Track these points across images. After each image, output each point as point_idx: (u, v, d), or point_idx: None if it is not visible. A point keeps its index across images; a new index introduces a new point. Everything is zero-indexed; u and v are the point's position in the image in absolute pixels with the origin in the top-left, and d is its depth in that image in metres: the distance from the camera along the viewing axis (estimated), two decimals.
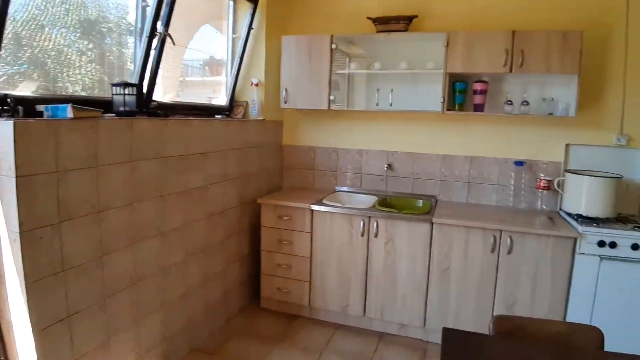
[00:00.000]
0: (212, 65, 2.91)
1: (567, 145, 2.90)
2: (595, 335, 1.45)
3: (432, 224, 2.62)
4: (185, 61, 2.62)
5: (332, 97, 2.96)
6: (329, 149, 3.40)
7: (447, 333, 1.43)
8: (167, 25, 2.24)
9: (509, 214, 2.83)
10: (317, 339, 2.75)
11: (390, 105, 2.97)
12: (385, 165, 3.23)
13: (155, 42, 2.21)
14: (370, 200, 3.08)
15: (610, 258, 2.42)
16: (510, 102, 2.82)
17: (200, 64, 2.82)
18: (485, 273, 2.60)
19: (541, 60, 2.58)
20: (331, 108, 3.00)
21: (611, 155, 2.86)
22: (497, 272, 2.57)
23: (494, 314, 2.61)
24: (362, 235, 2.74)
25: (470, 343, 1.43)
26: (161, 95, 2.42)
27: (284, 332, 2.82)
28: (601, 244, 2.42)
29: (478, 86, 2.79)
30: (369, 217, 2.72)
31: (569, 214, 2.73)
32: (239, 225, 2.96)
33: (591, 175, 2.66)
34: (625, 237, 2.41)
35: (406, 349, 2.67)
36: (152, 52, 2.22)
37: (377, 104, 3.05)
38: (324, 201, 2.92)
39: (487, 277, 2.60)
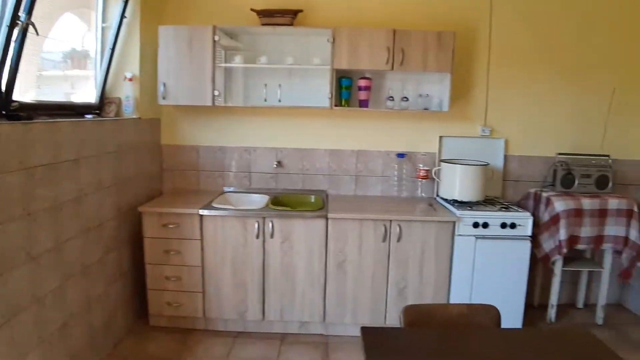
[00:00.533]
0: (75, 58, 2.87)
1: (441, 137, 3.55)
2: (493, 313, 1.88)
3: (327, 219, 2.99)
4: (43, 53, 2.56)
5: (216, 93, 3.13)
6: (213, 148, 3.58)
7: (366, 332, 1.69)
8: (29, 12, 2.15)
9: (394, 203, 3.36)
10: (217, 352, 2.93)
11: (279, 101, 3.27)
12: (275, 163, 3.54)
13: (16, 32, 2.11)
14: (262, 199, 3.35)
15: (483, 237, 3.08)
16: (391, 98, 3.34)
17: (62, 57, 2.76)
18: (378, 262, 3.07)
19: (419, 58, 3.12)
20: (216, 104, 3.17)
21: (477, 144, 3.58)
22: (388, 259, 3.07)
23: (387, 299, 3.11)
24: (258, 237, 2.99)
25: (388, 338, 1.70)
26: (19, 93, 2.34)
27: (179, 349, 2.94)
28: (476, 225, 3.07)
29: (362, 82, 3.25)
30: (264, 218, 2.98)
31: (446, 200, 3.38)
32: (118, 239, 2.98)
33: (462, 164, 3.31)
34: (495, 217, 3.08)
35: (309, 346, 3.02)
36: (12, 44, 2.11)
37: (265, 100, 3.32)
38: (214, 204, 3.09)
39: (380, 265, 3.08)
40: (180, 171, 3.59)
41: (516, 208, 3.23)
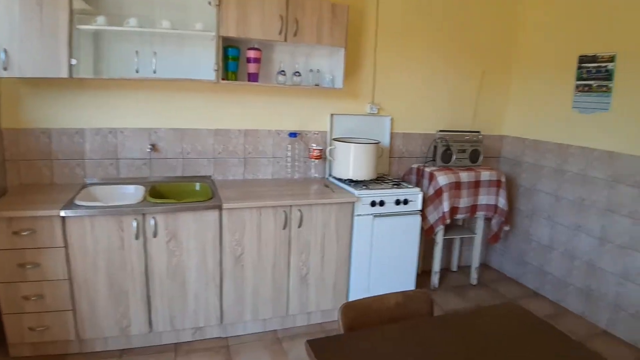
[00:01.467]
0: None
1: (332, 115, 3.43)
2: (426, 298, 1.85)
3: (220, 210, 2.64)
4: None
5: (73, 61, 2.45)
6: (70, 131, 2.87)
7: (313, 346, 1.48)
8: None
9: (289, 186, 3.14)
10: None
11: (154, 72, 2.73)
12: (149, 146, 3.00)
13: None
14: (137, 191, 2.82)
15: (380, 215, 3.09)
16: (283, 73, 3.07)
17: None
18: (278, 251, 2.85)
19: (314, 30, 2.91)
20: (73, 76, 2.50)
21: (366, 122, 3.56)
22: (289, 247, 2.87)
23: (289, 288, 2.92)
24: (137, 237, 2.49)
25: (337, 347, 1.52)
26: None
27: None
28: (373, 203, 3.05)
29: (252, 54, 2.90)
30: (144, 214, 2.49)
31: (340, 180, 3.28)
32: None
33: (357, 143, 3.24)
34: (390, 195, 3.09)
35: (208, 353, 2.68)
36: None
37: (137, 71, 2.74)
38: (77, 202, 2.47)
39: (281, 254, 2.86)
40: (28, 162, 2.81)
41: (407, 184, 3.30)
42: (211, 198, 2.73)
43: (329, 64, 3.25)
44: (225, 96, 3.13)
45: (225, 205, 2.63)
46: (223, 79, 2.81)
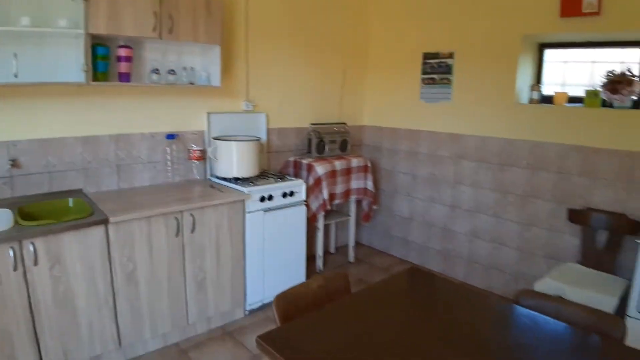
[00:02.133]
0: None
1: (209, 114, 3.35)
2: (343, 277, 2.00)
3: (106, 225, 2.40)
4: None
5: None
6: None
7: (266, 341, 1.48)
8: None
9: (172, 191, 3.00)
10: None
11: (15, 76, 2.32)
12: (9, 162, 2.53)
13: None
14: (4, 216, 2.31)
15: (270, 209, 3.16)
16: (157, 71, 2.90)
17: None
18: (172, 260, 2.72)
19: (190, 27, 2.80)
20: None
21: (242, 120, 3.57)
22: (183, 254, 2.76)
23: (187, 296, 2.81)
24: (15, 268, 2.12)
25: (285, 338, 1.55)
26: None
27: None
28: (262, 199, 3.11)
29: (123, 52, 2.66)
30: (20, 241, 2.13)
31: (225, 179, 3.26)
32: None
33: (239, 140, 3.23)
34: (276, 189, 3.18)
35: None
36: None
37: None
38: None
39: (175, 263, 2.74)
40: None
41: (290, 177, 3.43)
42: (92, 213, 2.45)
43: (202, 61, 3.16)
44: (94, 99, 2.81)
45: (112, 219, 2.39)
46: (93, 81, 2.52)
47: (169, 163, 3.18)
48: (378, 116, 4.37)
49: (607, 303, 2.53)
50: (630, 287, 2.55)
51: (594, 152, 3.03)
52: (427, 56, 3.84)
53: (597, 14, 2.87)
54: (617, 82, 2.95)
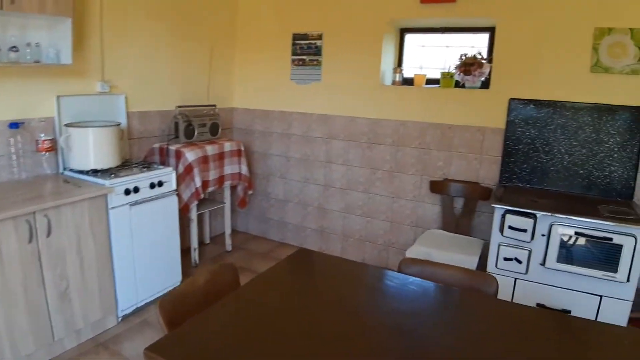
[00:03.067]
0: None
1: (59, 97, 2.85)
2: (230, 269, 1.88)
3: None
4: None
5: None
6: None
7: (156, 350, 1.31)
8: None
9: (20, 190, 2.49)
10: None
11: None
12: None
13: None
14: None
15: (137, 202, 2.85)
16: None
17: None
18: (28, 270, 2.29)
19: None
20: None
21: (98, 103, 3.13)
22: (40, 261, 2.34)
23: (50, 310, 2.39)
24: None
25: (176, 344, 1.38)
26: None
27: None
28: (127, 192, 2.78)
29: None
30: None
31: (81, 172, 2.83)
32: None
33: (95, 127, 2.83)
34: (143, 179, 2.88)
35: None
36: None
37: None
38: None
39: (32, 273, 2.31)
40: None
41: (157, 166, 3.12)
42: None
43: (50, 36, 2.66)
44: None
45: None
46: None
47: (13, 157, 2.63)
48: (249, 98, 4.22)
49: (469, 262, 2.84)
50: (487, 247, 2.91)
51: (449, 128, 3.35)
52: (296, 37, 3.80)
53: (452, 1, 3.15)
54: (469, 65, 3.29)
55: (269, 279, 1.90)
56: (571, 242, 2.51)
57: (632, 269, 2.38)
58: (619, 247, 2.37)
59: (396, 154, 3.59)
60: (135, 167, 3.05)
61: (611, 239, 2.38)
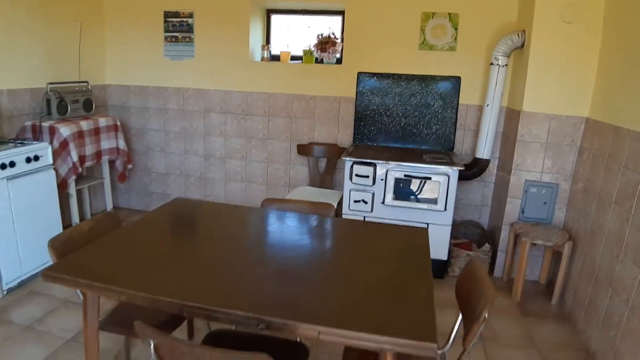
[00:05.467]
0: None
1: None
2: (112, 217, 2.10)
3: None
4: None
5: None
6: None
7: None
8: None
9: None
10: None
11: None
12: None
13: None
14: None
15: (14, 177, 2.89)
16: None
17: None
18: None
19: None
20: None
21: None
22: None
23: None
24: None
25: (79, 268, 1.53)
26: None
27: None
28: (3, 166, 2.82)
29: None
30: None
31: None
32: None
33: None
34: (19, 154, 2.92)
35: None
36: None
37: None
38: None
39: None
40: None
41: (31, 142, 3.14)
42: None
43: None
44: None
45: None
46: None
47: None
48: (123, 75, 4.28)
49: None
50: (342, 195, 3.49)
51: (311, 99, 3.84)
52: (168, 14, 3.97)
53: None
54: (325, 43, 3.79)
55: (148, 222, 2.15)
56: (402, 183, 3.17)
57: (448, 200, 3.11)
58: (437, 184, 3.09)
59: (268, 123, 3.99)
60: (9, 143, 3.06)
61: (430, 178, 3.09)
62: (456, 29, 3.49)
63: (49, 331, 2.59)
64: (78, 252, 1.74)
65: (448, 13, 3.49)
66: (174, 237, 2.02)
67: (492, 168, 3.64)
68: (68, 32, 3.82)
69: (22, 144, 3.05)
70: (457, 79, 3.51)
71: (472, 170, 3.50)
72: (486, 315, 1.44)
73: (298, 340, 1.81)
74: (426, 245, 1.95)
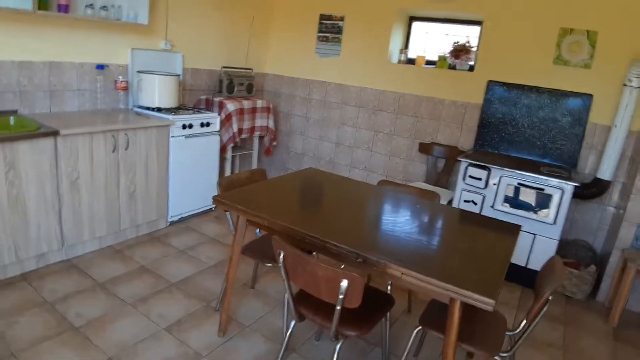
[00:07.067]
0: None
1: (132, 50, 3.71)
2: (261, 172, 2.68)
3: (56, 137, 2.77)
4: None
5: None
6: None
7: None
8: None
9: (103, 116, 3.34)
10: None
11: None
12: None
13: None
14: None
15: (190, 136, 3.71)
16: (92, 6, 3.19)
17: None
18: (109, 173, 3.17)
19: None
20: None
21: (161, 57, 3.98)
22: (118, 168, 3.22)
23: (120, 205, 3.28)
24: None
25: (242, 199, 2.14)
26: None
27: None
28: (184, 126, 3.64)
29: None
30: None
31: (148, 108, 3.70)
32: None
33: (161, 75, 3.67)
34: (196, 119, 3.71)
35: (62, 274, 2.88)
36: None
37: None
38: None
39: (112, 175, 3.19)
40: None
41: (205, 110, 3.98)
42: (39, 128, 2.76)
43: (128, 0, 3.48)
44: (30, 27, 3.02)
45: (62, 132, 2.78)
46: (39, 9, 2.76)
47: (98, 91, 3.51)
48: (279, 65, 5.03)
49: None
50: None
51: (439, 102, 4.11)
52: (322, 17, 4.59)
53: None
54: (459, 51, 4.04)
55: (288, 179, 2.69)
56: (515, 190, 3.29)
57: (559, 214, 3.17)
58: (549, 196, 3.15)
59: (395, 120, 4.36)
60: (189, 110, 3.91)
61: (543, 190, 3.16)
62: (593, 47, 3.47)
63: (197, 257, 3.34)
64: (237, 190, 2.35)
65: (587, 30, 3.48)
66: (305, 191, 2.54)
67: (614, 192, 3.55)
68: (242, 27, 4.66)
69: (199, 112, 3.87)
70: (589, 97, 3.50)
71: (591, 190, 3.46)
72: (550, 297, 1.65)
73: (388, 291, 2.17)
74: (516, 234, 2.15)
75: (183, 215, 3.88)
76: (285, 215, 2.09)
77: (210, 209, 4.16)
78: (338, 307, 1.69)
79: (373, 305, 2.01)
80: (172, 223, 3.81)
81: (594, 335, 2.94)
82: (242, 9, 4.59)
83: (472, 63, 4.05)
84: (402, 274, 1.65)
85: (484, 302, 1.51)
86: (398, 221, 2.19)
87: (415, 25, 4.49)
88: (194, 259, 3.32)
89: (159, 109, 3.66)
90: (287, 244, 1.74)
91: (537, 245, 3.32)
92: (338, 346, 1.88)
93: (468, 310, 1.66)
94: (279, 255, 1.78)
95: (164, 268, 3.14)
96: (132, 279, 2.96)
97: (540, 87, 3.65)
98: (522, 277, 3.37)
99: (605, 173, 3.40)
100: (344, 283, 1.62)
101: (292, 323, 2.04)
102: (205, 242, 3.59)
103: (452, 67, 4.11)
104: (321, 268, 1.66)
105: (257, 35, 4.83)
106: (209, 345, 2.39)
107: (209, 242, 3.60)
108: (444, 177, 4.13)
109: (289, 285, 1.88)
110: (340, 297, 1.65)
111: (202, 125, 3.79)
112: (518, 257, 3.38)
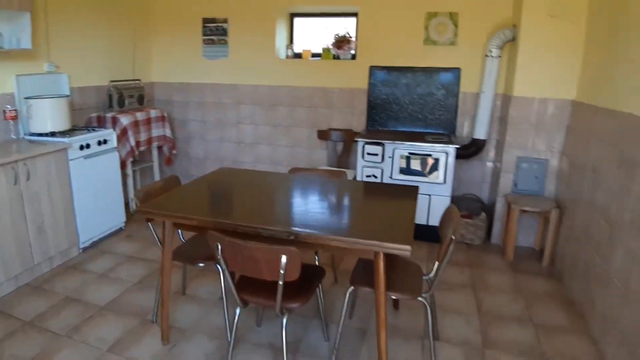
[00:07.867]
0: None
1: (17, 76, 3.55)
2: (177, 179, 2.83)
3: None
4: None
5: None
6: None
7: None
8: None
9: None
10: None
11: None
12: None
13: None
14: None
15: (89, 156, 3.67)
16: None
17: None
18: (13, 207, 3.04)
19: None
20: None
21: (48, 80, 3.85)
22: (23, 201, 3.11)
23: (31, 239, 3.16)
24: None
25: (162, 207, 2.15)
26: None
27: None
28: (82, 147, 3.60)
29: None
30: None
31: (41, 134, 3.59)
32: None
33: (51, 98, 3.58)
34: (91, 138, 3.66)
35: None
36: None
37: None
38: None
39: (17, 209, 3.06)
40: None
41: (98, 128, 3.92)
42: None
43: (9, 26, 3.29)
44: None
45: None
46: None
47: None
48: (167, 73, 5.07)
49: None
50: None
51: (330, 91, 4.52)
52: (205, 20, 4.74)
53: None
54: (341, 42, 4.43)
55: (203, 181, 2.84)
56: (407, 159, 3.79)
57: (447, 174, 3.74)
58: (437, 160, 3.68)
59: (292, 112, 4.69)
60: (83, 130, 3.84)
61: (431, 155, 3.68)
62: (456, 26, 4.09)
63: (119, 277, 3.37)
64: (156, 199, 2.48)
65: (449, 12, 4.08)
66: (224, 188, 2.76)
67: (490, 148, 4.24)
68: (125, 40, 4.64)
69: (94, 130, 3.82)
70: (458, 70, 4.14)
71: (470, 149, 4.11)
72: (453, 237, 2.02)
73: (317, 263, 2.41)
74: (415, 194, 2.58)
75: (94, 239, 3.82)
76: (213, 212, 2.30)
77: (121, 228, 4.14)
78: (280, 282, 1.93)
79: (307, 278, 2.28)
80: (85, 249, 3.73)
81: (496, 271, 3.55)
82: (122, 21, 4.56)
83: (353, 52, 4.51)
84: (332, 240, 1.93)
85: (403, 249, 1.87)
86: (317, 199, 2.54)
87: (297, 21, 4.85)
88: (117, 280, 3.33)
89: (52, 134, 3.57)
90: (224, 236, 1.90)
91: (433, 204, 3.84)
92: (284, 320, 2.12)
93: (388, 263, 2.00)
94: (217, 248, 1.92)
95: (88, 294, 3.14)
96: (60, 310, 2.93)
97: (415, 67, 4.23)
98: (426, 233, 3.88)
99: (480, 133, 4.07)
100: (284, 259, 1.85)
101: (238, 311, 2.23)
102: (122, 262, 3.60)
103: (337, 57, 4.53)
104: (260, 250, 1.90)
105: (140, 46, 4.83)
106: (156, 355, 2.51)
107: (126, 261, 3.61)
108: (345, 158, 4.53)
109: (230, 275, 2.05)
110: (282, 272, 1.87)
111: (99, 143, 3.75)
112: (419, 217, 3.90)
